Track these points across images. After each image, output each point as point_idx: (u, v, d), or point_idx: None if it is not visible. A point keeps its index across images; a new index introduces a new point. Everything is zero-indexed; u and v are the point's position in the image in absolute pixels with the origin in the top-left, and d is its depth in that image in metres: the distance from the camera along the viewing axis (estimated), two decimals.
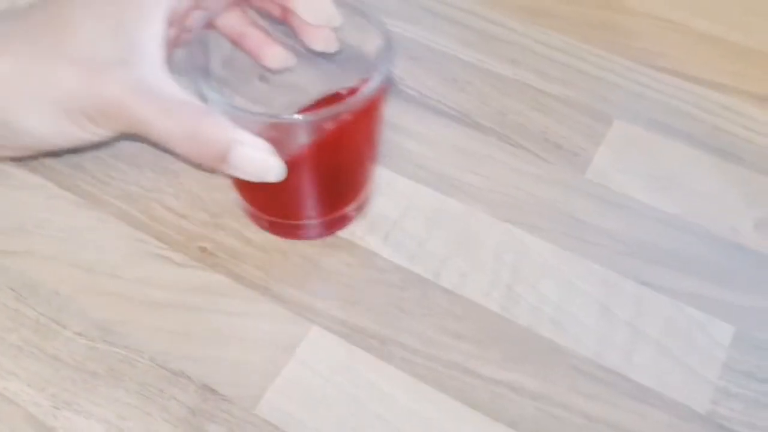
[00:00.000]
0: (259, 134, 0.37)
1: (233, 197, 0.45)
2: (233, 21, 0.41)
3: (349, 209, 0.43)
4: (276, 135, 0.37)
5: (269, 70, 0.43)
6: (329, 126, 0.37)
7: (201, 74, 0.38)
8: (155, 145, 0.38)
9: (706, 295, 0.42)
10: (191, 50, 0.37)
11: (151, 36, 0.36)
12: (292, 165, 0.38)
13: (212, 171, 0.38)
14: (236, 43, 0.42)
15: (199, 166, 0.39)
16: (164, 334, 0.41)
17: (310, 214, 0.43)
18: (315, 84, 0.42)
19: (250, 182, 0.39)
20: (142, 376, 0.39)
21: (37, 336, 0.40)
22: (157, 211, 0.45)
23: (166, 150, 0.36)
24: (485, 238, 0.44)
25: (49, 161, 0.47)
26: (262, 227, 0.43)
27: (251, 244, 0.44)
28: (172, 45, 0.41)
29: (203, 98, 0.36)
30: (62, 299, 0.42)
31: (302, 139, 0.37)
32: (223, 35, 0.42)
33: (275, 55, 0.42)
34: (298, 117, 0.36)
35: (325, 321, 0.41)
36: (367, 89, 0.37)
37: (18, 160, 0.44)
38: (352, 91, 0.41)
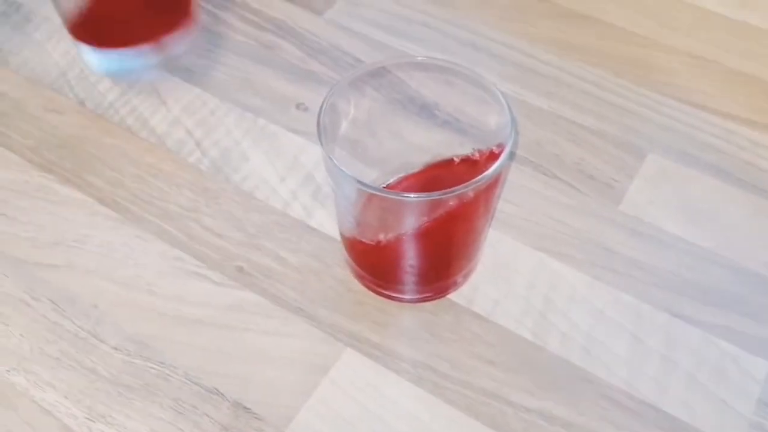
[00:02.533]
0: (384, 209, 0.38)
1: (273, 219, 0.46)
2: None
3: (458, 277, 0.43)
4: (398, 210, 0.38)
5: None
6: (453, 203, 0.37)
7: (331, 138, 0.39)
8: None
9: (739, 330, 0.42)
10: (324, 114, 0.38)
11: None
12: (409, 239, 0.39)
13: None
14: None
15: None
16: (199, 351, 0.41)
17: (420, 282, 0.43)
18: (428, 149, 0.43)
19: (362, 248, 0.41)
20: (176, 392, 0.40)
21: (75, 349, 0.41)
22: (195, 230, 0.45)
23: None
24: (518, 266, 0.44)
25: (92, 179, 0.48)
26: (366, 286, 0.43)
27: (287, 264, 0.44)
28: None
29: (334, 169, 0.37)
30: (100, 313, 0.42)
31: (425, 217, 0.38)
32: None
33: None
34: (424, 195, 0.36)
35: (358, 343, 0.41)
36: (495, 167, 0.36)
37: None
38: (465, 159, 0.41)
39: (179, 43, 0.50)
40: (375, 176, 0.43)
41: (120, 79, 0.50)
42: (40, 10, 0.58)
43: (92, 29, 0.49)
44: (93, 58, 0.49)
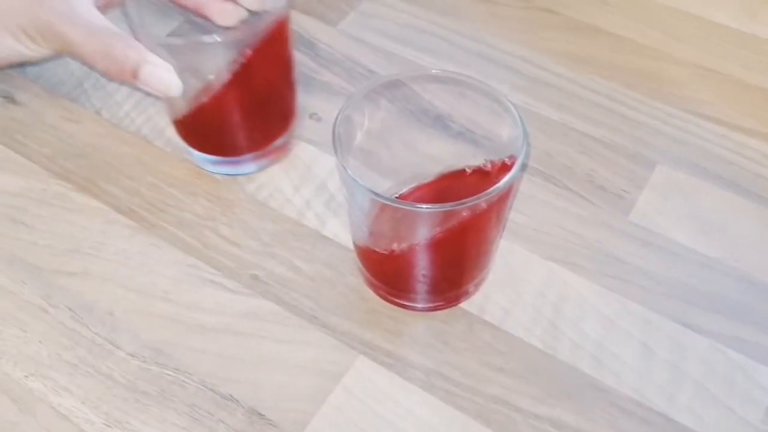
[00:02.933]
0: (397, 219, 0.39)
1: (287, 228, 0.47)
2: None
3: (469, 286, 0.44)
4: (411, 220, 0.38)
5: (220, 26, 0.48)
6: (466, 213, 0.37)
7: (346, 149, 0.40)
8: (83, 62, 0.44)
9: (747, 339, 0.42)
10: (339, 125, 0.39)
11: None
12: (421, 249, 0.40)
13: (131, 85, 0.44)
14: (196, 13, 0.48)
15: (120, 82, 0.48)
16: (214, 357, 0.42)
17: (432, 291, 0.43)
18: (440, 160, 0.43)
19: (375, 257, 0.42)
20: (191, 398, 0.40)
21: (92, 355, 0.42)
22: (211, 239, 0.46)
23: (91, 67, 0.44)
24: (529, 275, 0.45)
25: (108, 187, 0.48)
26: (379, 295, 0.44)
27: (301, 273, 0.45)
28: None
29: (348, 179, 0.38)
30: (116, 320, 0.43)
31: (437, 227, 0.38)
32: (182, 6, 0.48)
33: (224, 11, 0.47)
34: (437, 206, 0.36)
35: (371, 351, 0.42)
36: (507, 178, 0.37)
37: None
38: (477, 170, 0.42)
39: (280, 142, 0.50)
40: (388, 186, 0.43)
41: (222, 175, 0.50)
42: None
43: (199, 136, 0.49)
44: (198, 157, 0.49)
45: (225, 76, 0.44)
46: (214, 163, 0.49)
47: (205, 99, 0.45)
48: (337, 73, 0.55)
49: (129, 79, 0.42)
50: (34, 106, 0.53)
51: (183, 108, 0.46)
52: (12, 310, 0.43)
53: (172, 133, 0.51)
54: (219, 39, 0.42)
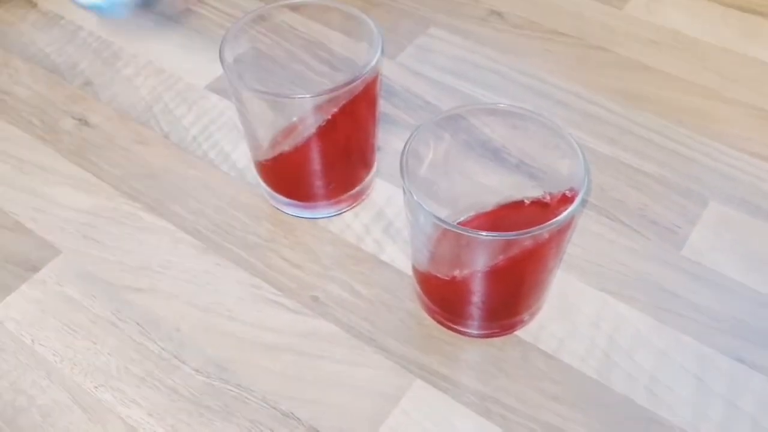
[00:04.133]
0: (461, 246, 0.40)
1: (346, 252, 0.48)
2: None
3: (525, 315, 0.45)
4: (474, 247, 0.40)
5: None
6: (528, 243, 0.38)
7: (412, 179, 0.41)
8: None
9: None
10: (406, 155, 0.41)
11: None
12: (481, 276, 0.41)
13: None
14: None
15: None
16: (276, 375, 0.43)
17: (488, 318, 0.44)
18: (499, 191, 0.45)
19: (435, 282, 0.43)
20: (253, 414, 0.42)
21: (159, 369, 0.43)
22: (274, 260, 0.48)
23: None
24: (583, 306, 0.46)
25: (175, 208, 0.50)
26: (435, 320, 0.45)
27: (360, 296, 0.46)
28: None
29: (414, 205, 0.39)
30: (182, 336, 0.45)
31: (500, 255, 0.39)
32: None
33: None
34: (501, 234, 0.37)
35: (428, 375, 0.43)
36: (570, 210, 0.38)
37: None
38: (536, 202, 0.43)
39: (358, 189, 0.51)
40: (445, 215, 0.45)
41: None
42: (129, 47, 0.61)
43: (279, 181, 0.50)
44: (277, 200, 0.50)
45: (311, 129, 0.45)
46: (292, 206, 0.50)
47: (288, 148, 0.46)
48: (395, 104, 0.56)
49: None
50: (107, 128, 0.55)
51: (266, 153, 0.48)
52: (84, 322, 0.45)
53: (237, 157, 0.53)
54: (309, 95, 0.43)
